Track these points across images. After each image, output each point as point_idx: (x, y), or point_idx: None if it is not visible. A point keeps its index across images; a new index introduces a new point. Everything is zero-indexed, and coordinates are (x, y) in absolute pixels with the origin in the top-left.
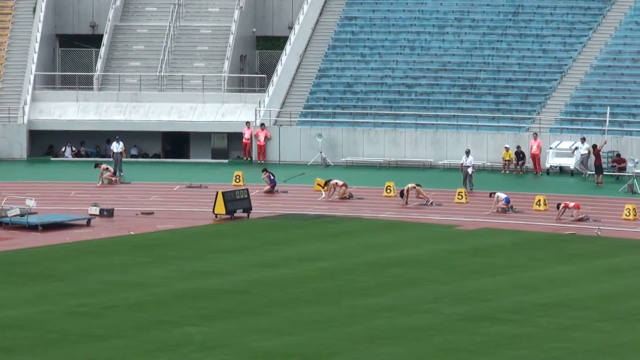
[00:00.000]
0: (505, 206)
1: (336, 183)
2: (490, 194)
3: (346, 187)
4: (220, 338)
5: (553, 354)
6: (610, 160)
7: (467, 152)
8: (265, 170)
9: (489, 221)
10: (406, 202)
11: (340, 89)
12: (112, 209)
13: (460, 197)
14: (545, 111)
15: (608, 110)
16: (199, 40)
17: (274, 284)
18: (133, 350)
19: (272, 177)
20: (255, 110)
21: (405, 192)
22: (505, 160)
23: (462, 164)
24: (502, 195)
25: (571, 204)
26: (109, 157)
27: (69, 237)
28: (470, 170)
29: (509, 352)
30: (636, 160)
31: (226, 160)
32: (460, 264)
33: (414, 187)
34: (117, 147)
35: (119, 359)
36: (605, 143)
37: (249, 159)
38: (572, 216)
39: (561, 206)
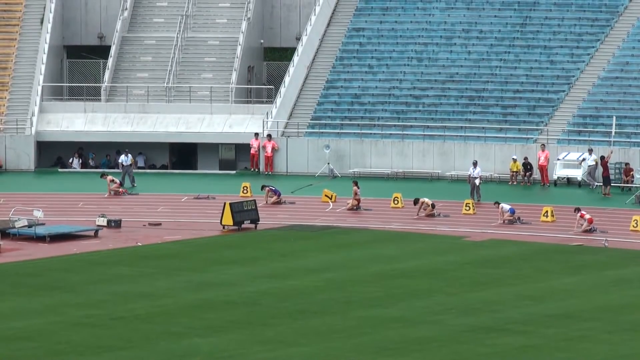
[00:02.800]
0: (511, 217)
1: (356, 192)
2: (495, 203)
3: (359, 202)
4: (228, 349)
5: None
6: (622, 169)
7: (475, 164)
8: (264, 186)
9: (497, 232)
10: (418, 214)
11: (347, 100)
12: (120, 220)
13: (467, 208)
14: (553, 122)
15: (614, 120)
16: (207, 52)
17: (282, 295)
18: None
19: (273, 188)
20: (263, 121)
21: (420, 203)
22: (513, 172)
23: (470, 175)
24: (506, 206)
25: (587, 216)
26: (117, 168)
27: (76, 248)
28: (477, 181)
29: None
30: None
31: (234, 172)
32: (468, 275)
33: (428, 205)
34: (125, 159)
35: None
36: (612, 153)
37: (256, 170)
38: (581, 226)
39: (578, 215)
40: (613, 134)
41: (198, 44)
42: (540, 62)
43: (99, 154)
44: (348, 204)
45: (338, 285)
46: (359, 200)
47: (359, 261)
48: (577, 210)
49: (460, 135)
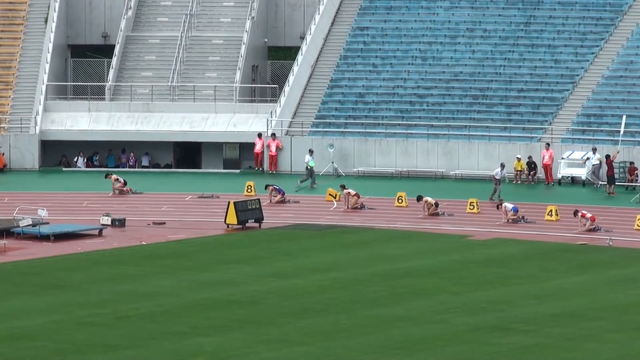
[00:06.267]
0: (515, 216)
1: (349, 193)
2: (497, 206)
3: (358, 197)
4: (232, 348)
5: None
6: (627, 168)
7: (502, 166)
8: (267, 185)
9: (501, 231)
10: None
11: (352, 99)
12: (124, 219)
13: (472, 207)
14: (557, 121)
15: (624, 119)
16: (211, 51)
17: (286, 294)
18: None
19: (277, 187)
20: (267, 120)
21: (423, 202)
22: (517, 171)
23: (494, 176)
24: (509, 205)
25: (588, 215)
26: (122, 167)
27: (80, 247)
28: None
29: None
30: None
31: (238, 171)
32: (472, 274)
33: (431, 204)
34: (309, 159)
35: None
36: (619, 152)
37: (260, 169)
38: (585, 225)
39: (579, 214)
40: (622, 132)
41: (202, 43)
42: (544, 61)
43: (102, 153)
44: (350, 204)
45: (342, 284)
46: (358, 196)
47: (363, 260)
48: (576, 212)
49: (465, 134)
